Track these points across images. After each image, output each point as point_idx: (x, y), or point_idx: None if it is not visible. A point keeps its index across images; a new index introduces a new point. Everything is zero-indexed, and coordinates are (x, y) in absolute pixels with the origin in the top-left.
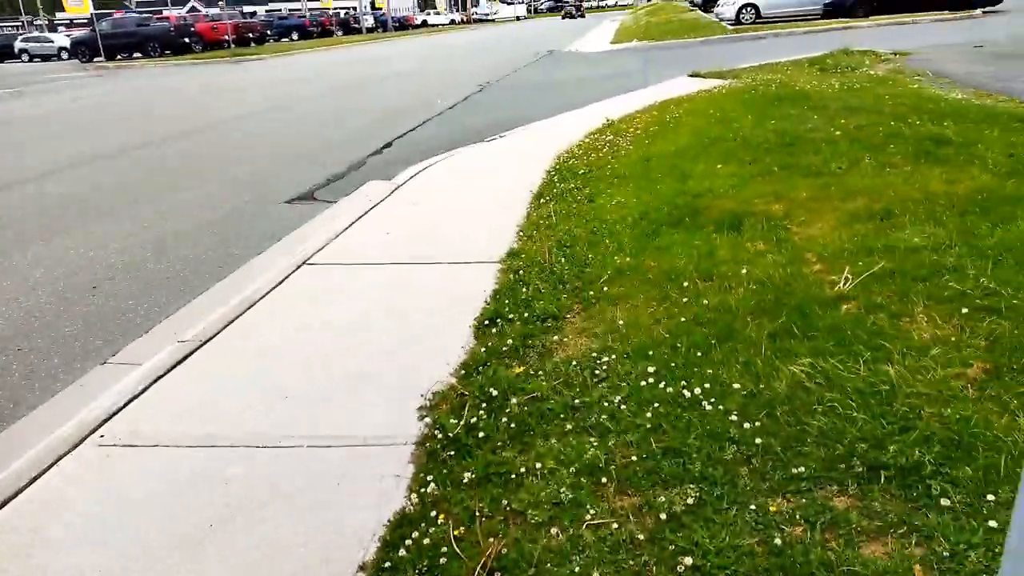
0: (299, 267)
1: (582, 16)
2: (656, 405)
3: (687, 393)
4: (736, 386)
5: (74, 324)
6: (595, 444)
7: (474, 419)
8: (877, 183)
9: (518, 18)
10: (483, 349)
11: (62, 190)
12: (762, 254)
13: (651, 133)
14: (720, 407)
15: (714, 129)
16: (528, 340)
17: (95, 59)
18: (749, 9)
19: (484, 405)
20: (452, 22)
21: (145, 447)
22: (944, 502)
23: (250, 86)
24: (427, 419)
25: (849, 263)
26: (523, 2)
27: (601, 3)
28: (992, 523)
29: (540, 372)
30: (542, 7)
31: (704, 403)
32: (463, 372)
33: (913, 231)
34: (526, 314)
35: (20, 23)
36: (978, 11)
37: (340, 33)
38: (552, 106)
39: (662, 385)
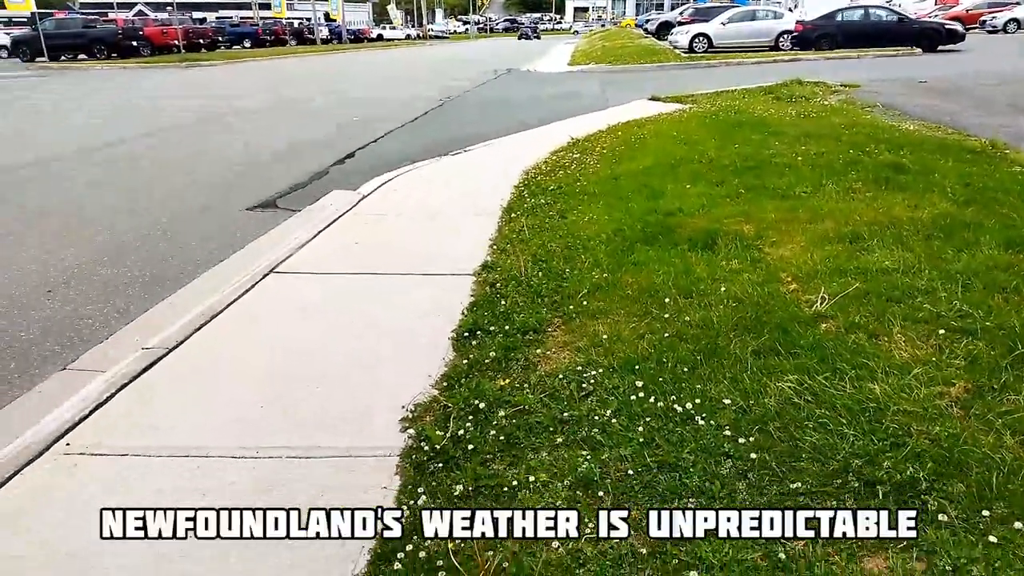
0: (265, 275)
1: (537, 37)
2: (648, 419)
3: (678, 408)
4: (727, 401)
5: (30, 329)
6: (588, 458)
7: (460, 431)
8: (842, 207)
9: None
10: (464, 361)
11: (17, 183)
12: (738, 272)
13: (617, 153)
14: (712, 422)
15: (679, 151)
16: (510, 353)
17: (37, 59)
18: (702, 38)
19: (470, 417)
20: (408, 37)
21: (112, 456)
22: (942, 517)
23: (202, 92)
24: (410, 431)
25: (824, 283)
26: (478, 22)
27: (556, 25)
28: (991, 538)
29: (525, 385)
30: (497, 27)
31: (696, 418)
32: (445, 384)
33: (882, 254)
34: (506, 327)
35: None
36: (918, 50)
37: (294, 43)
38: (515, 123)
39: (652, 400)
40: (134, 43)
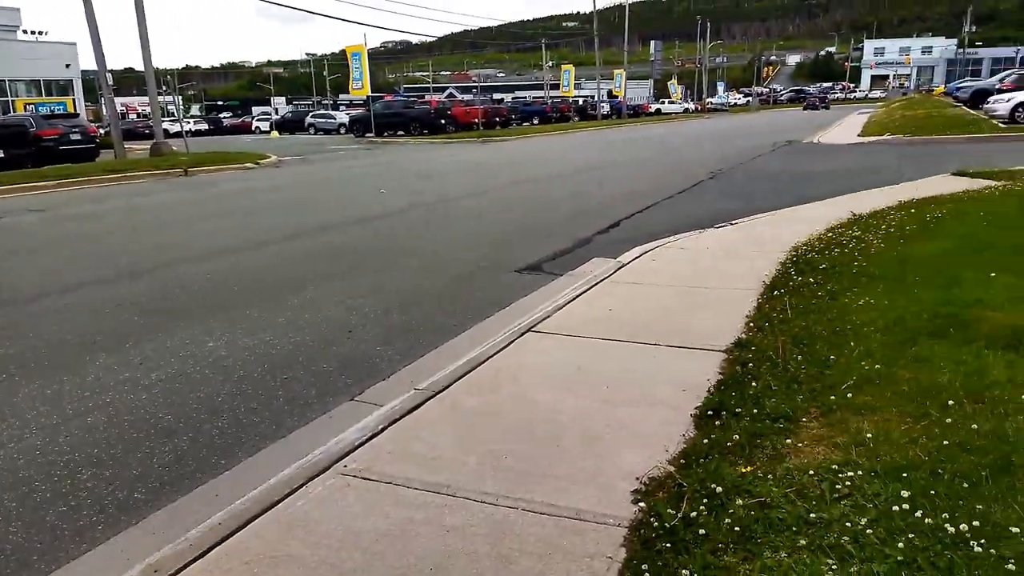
0: (524, 334)
1: (826, 108)
2: (911, 535)
3: (950, 528)
4: (1015, 530)
5: (330, 362)
6: (834, 568)
7: (693, 513)
8: None
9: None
10: (705, 440)
11: (338, 241)
12: None
13: (907, 233)
14: (993, 551)
15: (986, 234)
16: (756, 439)
17: (366, 134)
18: None
19: (705, 500)
20: (686, 111)
21: (379, 482)
22: None
23: (492, 164)
24: (642, 504)
25: None
26: (760, 93)
27: (848, 95)
28: None
29: (769, 476)
30: (781, 98)
31: (972, 543)
32: (682, 461)
33: None
34: (754, 410)
35: (311, 103)
36: None
37: (577, 119)
38: (789, 198)
39: (919, 514)
40: (443, 121)
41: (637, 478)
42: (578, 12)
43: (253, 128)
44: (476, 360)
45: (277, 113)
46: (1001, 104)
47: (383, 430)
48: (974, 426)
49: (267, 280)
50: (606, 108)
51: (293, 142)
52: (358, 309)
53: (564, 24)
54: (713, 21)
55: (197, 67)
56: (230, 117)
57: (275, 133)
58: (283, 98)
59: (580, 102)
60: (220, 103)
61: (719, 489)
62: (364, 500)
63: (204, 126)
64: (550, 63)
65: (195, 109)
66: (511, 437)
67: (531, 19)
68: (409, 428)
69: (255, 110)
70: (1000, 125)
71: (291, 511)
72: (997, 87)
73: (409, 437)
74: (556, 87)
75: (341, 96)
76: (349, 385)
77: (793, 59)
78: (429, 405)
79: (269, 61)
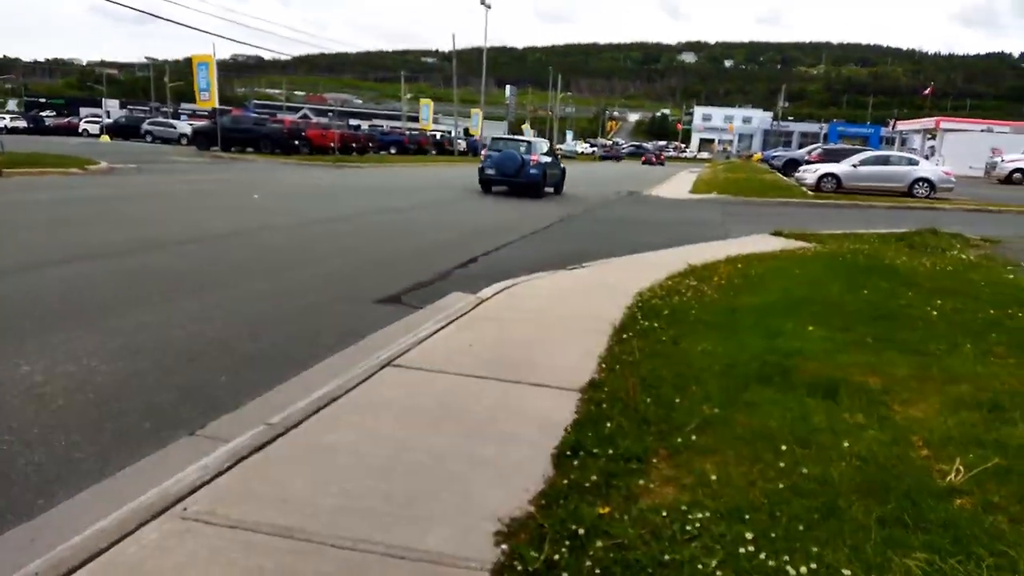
0: (384, 367)
1: (661, 164)
2: None
3: (791, 570)
4: (846, 572)
5: (169, 393)
6: None
7: (555, 556)
8: (980, 371)
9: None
10: (564, 481)
11: (171, 262)
12: (862, 428)
13: (735, 285)
14: None
15: (802, 290)
16: (612, 479)
17: (211, 148)
18: (830, 179)
19: (566, 542)
20: None
21: (224, 527)
22: None
23: (344, 191)
24: (504, 546)
25: (959, 453)
26: (605, 145)
27: (680, 154)
28: None
29: (625, 517)
30: (623, 151)
31: None
32: (543, 502)
33: None
34: (609, 451)
35: (149, 108)
36: None
37: (434, 152)
38: (633, 244)
39: (762, 556)
40: (296, 142)
41: (499, 519)
42: (437, 50)
43: (80, 130)
44: (332, 394)
45: (109, 116)
46: (809, 174)
47: (229, 469)
48: (804, 471)
49: (95, 299)
50: (463, 145)
51: (127, 148)
52: (201, 335)
53: (423, 59)
54: (563, 73)
55: (17, 59)
56: (54, 116)
57: (105, 137)
58: (116, 101)
59: (438, 136)
60: (43, 100)
61: (579, 530)
62: (207, 547)
63: (22, 124)
64: (408, 95)
65: (12, 104)
66: (369, 476)
67: (390, 50)
68: (258, 467)
69: (83, 111)
70: (808, 192)
71: (121, 560)
72: (806, 159)
73: (258, 476)
74: (414, 119)
75: (183, 104)
76: (190, 419)
77: (633, 116)
78: (281, 442)
79: (103, 61)
